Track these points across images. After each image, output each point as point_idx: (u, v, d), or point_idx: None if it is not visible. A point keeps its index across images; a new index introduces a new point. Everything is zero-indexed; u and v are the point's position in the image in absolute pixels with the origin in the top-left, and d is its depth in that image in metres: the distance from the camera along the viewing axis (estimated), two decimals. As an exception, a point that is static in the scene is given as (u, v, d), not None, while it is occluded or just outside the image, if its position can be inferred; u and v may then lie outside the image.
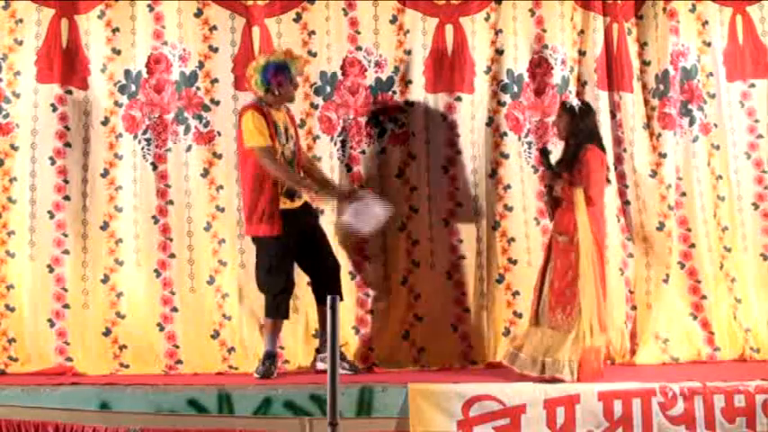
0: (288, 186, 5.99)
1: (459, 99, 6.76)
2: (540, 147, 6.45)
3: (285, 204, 6.01)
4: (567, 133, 6.04)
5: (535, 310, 6.02)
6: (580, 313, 5.77)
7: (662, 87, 6.90)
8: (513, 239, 6.70)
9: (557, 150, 6.34)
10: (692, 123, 6.94)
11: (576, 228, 5.83)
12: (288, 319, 6.18)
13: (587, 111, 6.09)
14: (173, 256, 6.54)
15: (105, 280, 6.51)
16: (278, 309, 6.05)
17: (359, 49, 6.74)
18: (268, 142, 5.95)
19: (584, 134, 5.98)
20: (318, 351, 6.26)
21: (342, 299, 6.18)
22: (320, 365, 6.07)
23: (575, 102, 6.13)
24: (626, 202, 6.86)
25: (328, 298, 4.57)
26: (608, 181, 6.40)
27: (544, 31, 6.83)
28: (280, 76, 6.03)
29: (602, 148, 6.07)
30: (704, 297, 6.79)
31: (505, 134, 6.77)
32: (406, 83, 6.75)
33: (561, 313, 5.86)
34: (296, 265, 6.16)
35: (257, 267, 6.13)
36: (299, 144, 6.27)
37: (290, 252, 6.03)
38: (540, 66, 6.82)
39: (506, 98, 6.79)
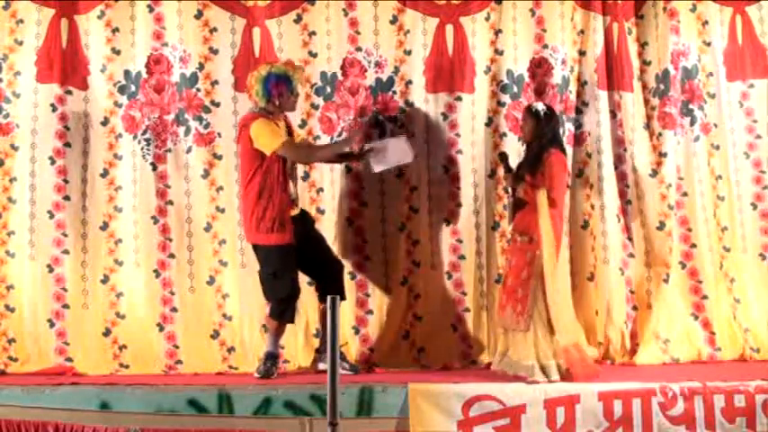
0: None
1: (459, 99, 6.76)
2: (499, 151, 6.49)
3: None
4: (531, 136, 6.12)
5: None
6: (533, 312, 5.81)
7: (662, 87, 6.90)
8: (512, 240, 6.71)
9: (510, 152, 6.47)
10: (692, 123, 6.94)
11: (536, 228, 5.89)
12: (294, 323, 6.20)
13: (551, 115, 6.16)
14: (172, 256, 6.54)
15: (105, 280, 6.51)
16: (283, 313, 6.05)
17: (359, 49, 6.74)
18: (286, 137, 6.00)
19: (548, 138, 6.06)
20: (319, 351, 6.26)
21: (344, 298, 6.19)
22: (322, 366, 6.07)
23: (540, 106, 6.17)
24: (626, 202, 6.85)
25: (328, 298, 4.57)
26: (567, 186, 6.48)
27: (544, 30, 6.83)
28: (281, 86, 6.02)
29: (564, 152, 6.18)
30: (705, 297, 6.80)
31: (505, 134, 6.77)
32: (407, 83, 6.75)
33: (512, 312, 5.91)
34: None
35: (261, 275, 6.12)
36: None
37: (293, 258, 6.04)
38: (540, 66, 6.82)
39: (506, 98, 6.79)
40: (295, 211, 6.10)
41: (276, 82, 6.01)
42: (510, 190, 6.14)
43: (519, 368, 5.81)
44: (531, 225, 5.93)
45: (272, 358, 6.05)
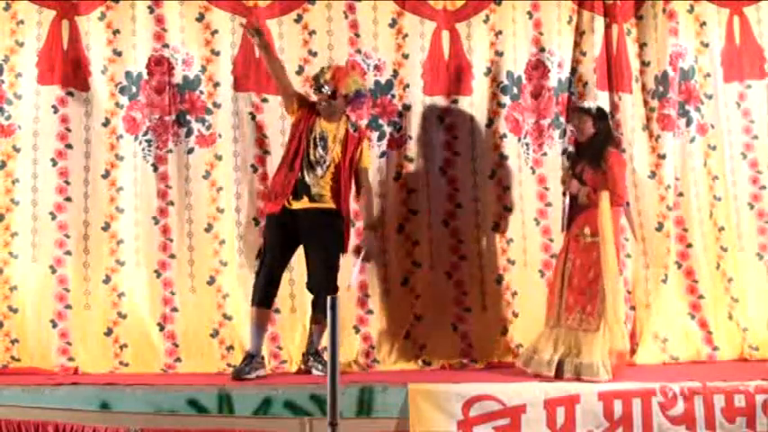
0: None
1: (456, 102, 6.78)
2: (568, 152, 6.46)
3: (290, 205, 5.98)
4: (588, 135, 6.06)
5: (556, 312, 6.04)
6: (603, 313, 5.82)
7: (661, 89, 6.91)
8: (511, 240, 6.72)
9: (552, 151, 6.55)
10: (688, 124, 6.95)
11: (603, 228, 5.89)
12: (263, 307, 6.07)
13: (605, 114, 6.15)
14: (173, 256, 6.56)
15: (107, 280, 6.51)
16: (253, 297, 6.04)
17: (358, 52, 6.75)
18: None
19: (606, 136, 6.06)
20: (307, 353, 6.21)
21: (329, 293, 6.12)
22: (314, 371, 6.07)
23: (592, 104, 6.14)
24: (624, 203, 6.86)
25: (328, 298, 4.54)
26: None
27: (541, 33, 6.85)
28: (356, 103, 6.17)
29: (620, 150, 6.22)
30: (701, 297, 6.81)
31: (505, 135, 6.78)
32: (405, 86, 6.76)
33: (581, 313, 5.90)
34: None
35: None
36: (341, 166, 6.02)
37: (278, 238, 6.00)
38: (536, 68, 6.84)
39: (506, 99, 6.80)
40: (297, 204, 5.98)
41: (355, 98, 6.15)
42: (570, 195, 6.08)
43: (583, 368, 5.77)
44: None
45: (248, 358, 6.01)
